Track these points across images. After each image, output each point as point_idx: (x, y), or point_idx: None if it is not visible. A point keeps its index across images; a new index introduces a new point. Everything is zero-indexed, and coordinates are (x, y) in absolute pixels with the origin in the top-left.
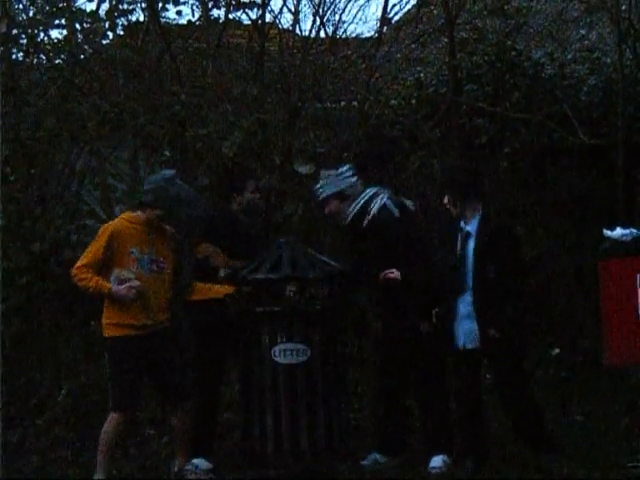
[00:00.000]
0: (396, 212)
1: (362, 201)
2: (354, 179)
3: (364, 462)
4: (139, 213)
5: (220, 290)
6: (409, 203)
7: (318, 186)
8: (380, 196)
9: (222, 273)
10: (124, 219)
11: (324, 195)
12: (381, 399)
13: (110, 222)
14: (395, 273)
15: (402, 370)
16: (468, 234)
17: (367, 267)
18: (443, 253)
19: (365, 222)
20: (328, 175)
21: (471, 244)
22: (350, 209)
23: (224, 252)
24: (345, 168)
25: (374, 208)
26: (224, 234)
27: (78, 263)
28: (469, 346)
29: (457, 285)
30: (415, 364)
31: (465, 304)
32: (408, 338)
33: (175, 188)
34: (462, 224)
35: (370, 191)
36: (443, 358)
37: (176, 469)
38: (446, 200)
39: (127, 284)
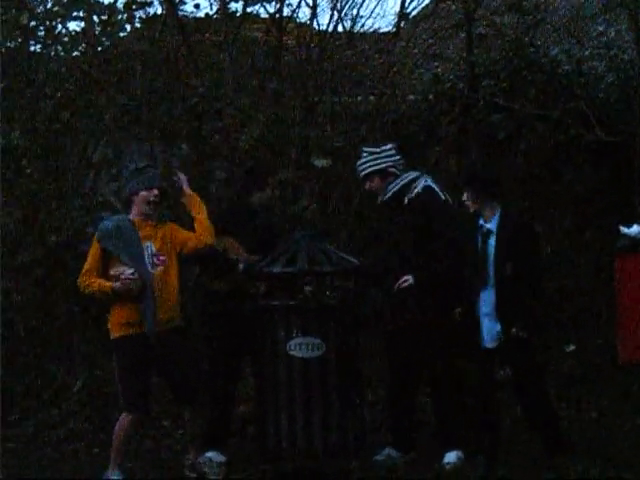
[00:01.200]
0: (442, 195)
1: (407, 179)
2: (398, 157)
3: (377, 457)
4: (132, 213)
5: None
6: (447, 196)
7: (360, 162)
8: (424, 178)
9: (241, 267)
10: (119, 220)
11: (367, 171)
12: (393, 395)
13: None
14: (408, 280)
15: (414, 366)
16: (489, 232)
17: (394, 254)
18: (463, 250)
19: (407, 199)
20: (371, 152)
21: (492, 242)
22: (392, 185)
23: (243, 246)
24: (388, 146)
25: (419, 186)
26: (244, 228)
27: (82, 271)
28: (489, 345)
29: (479, 283)
30: (431, 360)
31: (487, 302)
32: (424, 333)
33: (138, 166)
34: (481, 222)
35: (413, 173)
36: (461, 355)
37: (189, 462)
38: (465, 197)
39: (121, 277)
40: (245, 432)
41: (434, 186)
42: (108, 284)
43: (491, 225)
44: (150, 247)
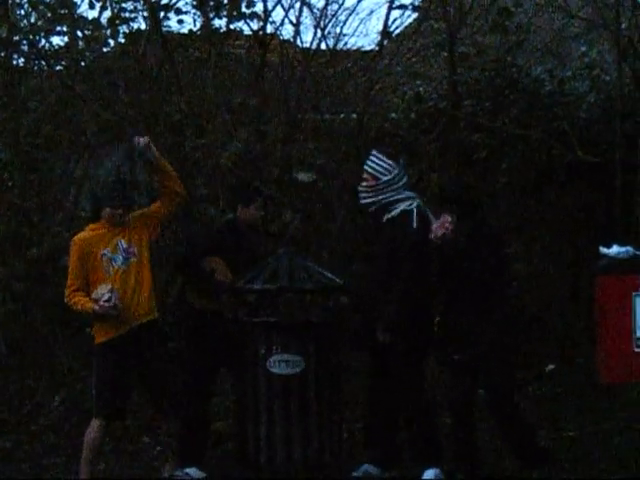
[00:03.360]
0: (414, 223)
1: (393, 198)
2: (397, 172)
3: (355, 474)
4: (100, 221)
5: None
6: (431, 216)
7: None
8: (409, 202)
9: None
10: (87, 230)
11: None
12: (371, 411)
13: (74, 237)
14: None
15: (390, 382)
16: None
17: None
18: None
19: (385, 218)
20: (380, 158)
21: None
22: (382, 197)
23: (229, 267)
24: (394, 162)
25: (398, 209)
26: (229, 247)
27: (66, 290)
28: (456, 357)
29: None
30: (395, 375)
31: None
32: (386, 349)
33: (107, 180)
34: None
35: (404, 194)
36: (421, 369)
37: (166, 474)
38: (447, 219)
39: (101, 302)
40: (223, 447)
41: (414, 212)
42: (89, 305)
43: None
44: (121, 243)
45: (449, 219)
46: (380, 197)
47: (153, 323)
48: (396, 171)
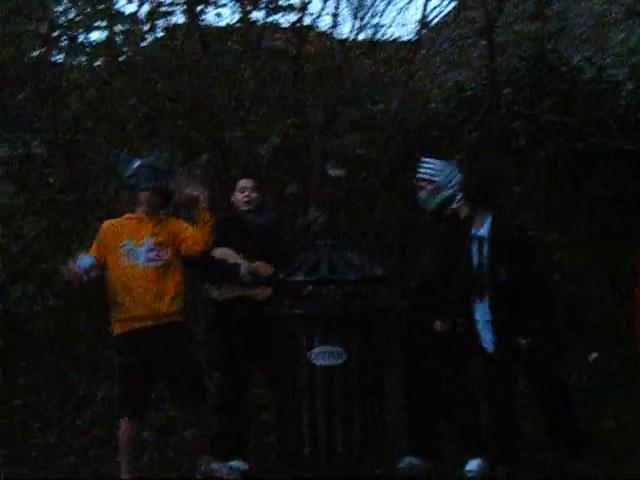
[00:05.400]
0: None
1: (452, 193)
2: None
3: (399, 465)
4: (138, 211)
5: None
6: None
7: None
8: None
9: (243, 271)
10: (125, 217)
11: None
12: (409, 402)
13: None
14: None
15: (429, 374)
16: (482, 239)
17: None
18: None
19: (449, 210)
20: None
21: (486, 249)
22: (438, 198)
23: (239, 254)
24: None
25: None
26: (234, 237)
27: None
28: (489, 350)
29: (476, 291)
30: (439, 367)
31: (484, 311)
32: (431, 341)
33: (146, 162)
34: (473, 230)
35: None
36: (465, 361)
37: (202, 468)
38: (457, 200)
39: (75, 266)
40: (265, 440)
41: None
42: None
43: (482, 232)
44: (148, 241)
45: None
46: (439, 196)
47: (175, 325)
48: (449, 169)
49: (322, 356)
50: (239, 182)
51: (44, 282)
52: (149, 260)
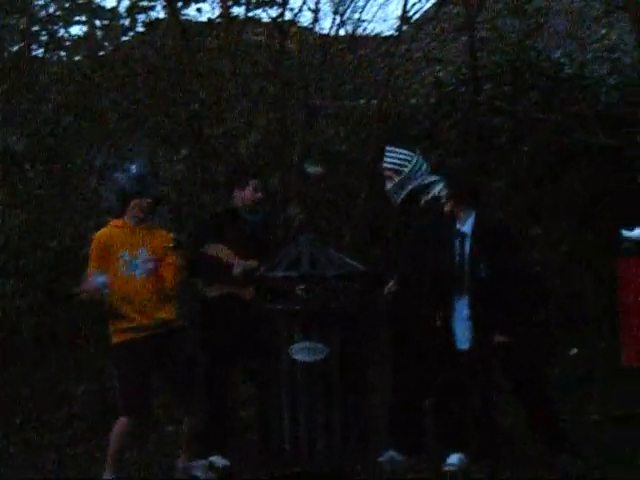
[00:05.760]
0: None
1: (422, 183)
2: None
3: (380, 460)
4: (124, 217)
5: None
6: None
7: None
8: (438, 188)
9: (236, 270)
10: (110, 226)
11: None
12: (396, 397)
13: (97, 232)
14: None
15: (414, 368)
16: (464, 235)
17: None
18: (440, 253)
19: (423, 200)
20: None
21: (467, 245)
22: (404, 189)
23: (232, 251)
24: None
25: (430, 194)
26: (228, 232)
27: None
28: (463, 347)
29: (456, 287)
30: (427, 361)
31: (463, 307)
32: (420, 336)
33: (137, 172)
34: (457, 225)
35: (432, 178)
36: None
37: (181, 465)
38: (442, 194)
39: (94, 284)
40: (245, 436)
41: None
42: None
43: (466, 228)
44: (143, 252)
45: None
46: (409, 187)
47: (174, 329)
48: (415, 159)
49: (303, 352)
50: (252, 181)
51: (24, 278)
52: (146, 270)
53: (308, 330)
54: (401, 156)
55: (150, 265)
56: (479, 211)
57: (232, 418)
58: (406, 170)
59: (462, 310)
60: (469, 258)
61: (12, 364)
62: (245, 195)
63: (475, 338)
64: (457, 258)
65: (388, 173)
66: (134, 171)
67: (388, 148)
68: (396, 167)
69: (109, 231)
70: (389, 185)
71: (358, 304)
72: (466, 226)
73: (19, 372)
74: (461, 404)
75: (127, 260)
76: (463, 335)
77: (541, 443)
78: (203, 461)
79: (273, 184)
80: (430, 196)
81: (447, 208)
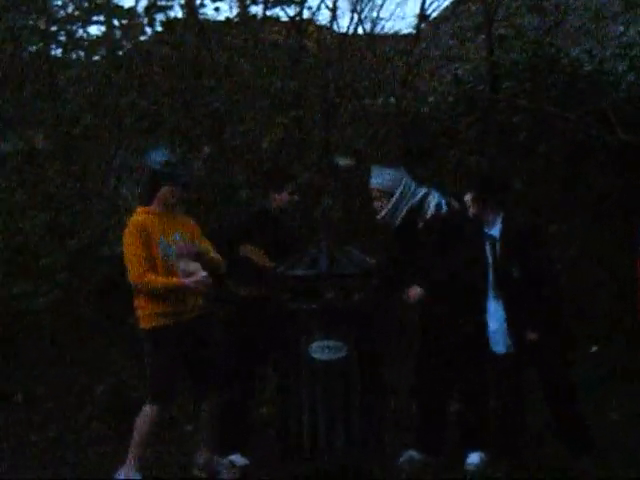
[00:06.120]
0: (449, 207)
1: (416, 199)
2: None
3: (400, 460)
4: (152, 205)
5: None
6: (455, 203)
7: (377, 177)
8: (431, 195)
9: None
10: (141, 214)
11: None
12: (417, 397)
13: (131, 222)
14: (414, 292)
15: (441, 369)
16: (494, 239)
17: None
18: (471, 257)
19: (421, 223)
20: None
21: (498, 248)
22: (399, 211)
23: (265, 254)
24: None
25: (430, 208)
26: (265, 234)
27: (133, 271)
28: (500, 350)
29: (489, 291)
30: (456, 363)
31: (496, 310)
32: (449, 337)
33: (167, 159)
34: (486, 229)
35: (422, 192)
36: (482, 358)
37: (201, 461)
38: (467, 198)
39: (195, 277)
40: (266, 434)
41: (442, 201)
42: (176, 281)
43: (494, 231)
44: (178, 237)
45: None
46: (404, 208)
47: (206, 317)
48: (404, 177)
49: (322, 350)
50: (288, 184)
51: (44, 277)
52: (179, 256)
53: (328, 328)
54: (388, 177)
55: (189, 249)
56: (507, 213)
57: (252, 416)
58: (397, 192)
59: (496, 313)
60: (501, 261)
61: (31, 363)
62: (282, 198)
63: (514, 340)
64: (489, 262)
65: (376, 194)
66: (164, 158)
67: (374, 167)
68: (386, 189)
69: (143, 219)
70: (381, 209)
71: (376, 303)
72: (494, 229)
73: (38, 371)
74: (484, 404)
75: (165, 246)
76: (498, 338)
77: (564, 444)
78: (225, 459)
79: (301, 181)
80: (430, 212)
81: (473, 211)
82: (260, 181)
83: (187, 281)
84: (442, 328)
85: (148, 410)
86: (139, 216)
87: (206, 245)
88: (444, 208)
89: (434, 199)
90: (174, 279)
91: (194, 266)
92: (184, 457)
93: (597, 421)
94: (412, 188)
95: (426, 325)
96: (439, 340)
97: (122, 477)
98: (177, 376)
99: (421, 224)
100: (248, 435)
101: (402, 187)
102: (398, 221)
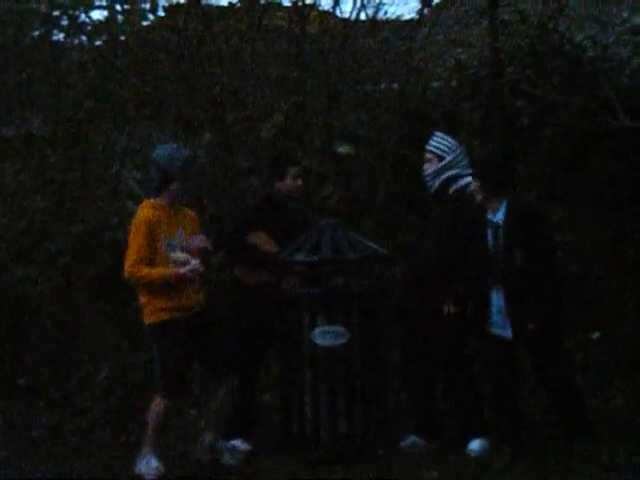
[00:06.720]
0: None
1: (459, 173)
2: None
3: (402, 444)
4: (160, 198)
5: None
6: None
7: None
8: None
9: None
10: (148, 207)
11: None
12: (414, 382)
13: (138, 215)
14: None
15: (431, 354)
16: (497, 226)
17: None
18: (473, 243)
19: (451, 190)
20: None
21: (502, 235)
22: (442, 175)
23: (273, 240)
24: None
25: (465, 181)
26: (269, 221)
27: (128, 263)
28: (501, 333)
29: (491, 277)
30: (441, 348)
31: (498, 296)
32: (434, 321)
33: (183, 155)
34: (489, 215)
35: (468, 170)
36: (469, 342)
37: (204, 444)
38: (473, 185)
39: (189, 267)
40: (270, 420)
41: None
42: (171, 271)
43: (498, 218)
44: (181, 233)
45: None
46: (446, 174)
47: (205, 311)
48: (458, 150)
49: (324, 336)
50: (290, 169)
51: (47, 262)
52: (183, 249)
53: (330, 314)
54: (447, 143)
55: (195, 242)
56: (510, 199)
57: (255, 402)
58: (448, 158)
59: (497, 299)
60: (503, 247)
61: (34, 348)
62: (285, 184)
63: (514, 326)
64: (491, 248)
65: (429, 156)
66: (176, 153)
67: (437, 133)
68: (439, 152)
69: (151, 213)
70: (428, 169)
71: (379, 288)
72: (498, 216)
73: (41, 356)
74: (474, 389)
75: (168, 241)
76: (498, 323)
77: (563, 427)
78: (228, 444)
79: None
80: (458, 186)
81: (478, 199)
82: (265, 168)
83: (182, 270)
84: (432, 312)
85: (159, 403)
86: (146, 210)
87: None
88: (472, 187)
89: (469, 178)
90: (169, 269)
91: (184, 256)
92: (188, 442)
93: (599, 407)
94: (463, 162)
95: (415, 309)
96: (429, 324)
97: (143, 469)
98: (185, 368)
99: (451, 192)
100: (251, 421)
101: (454, 155)
102: (436, 186)
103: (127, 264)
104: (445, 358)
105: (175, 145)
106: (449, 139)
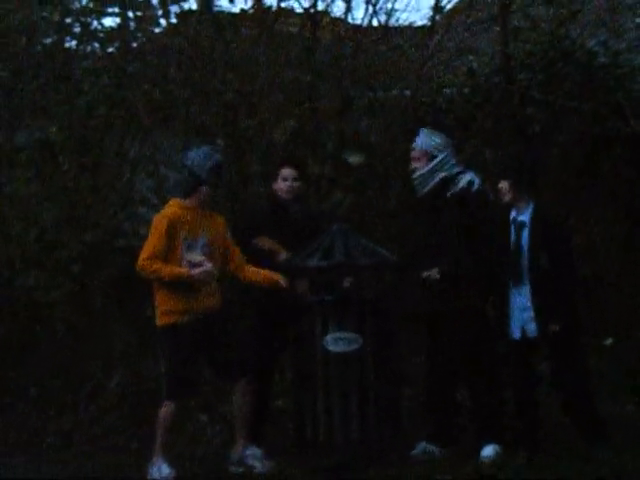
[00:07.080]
0: (490, 195)
1: (450, 173)
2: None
3: (414, 451)
4: (189, 199)
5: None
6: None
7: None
8: (467, 173)
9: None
10: (175, 206)
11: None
12: (430, 389)
13: (163, 211)
14: (432, 273)
15: (452, 360)
16: (522, 224)
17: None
18: (497, 242)
19: (449, 194)
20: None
21: (525, 234)
22: (433, 177)
23: (280, 244)
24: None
25: (462, 182)
26: (273, 225)
27: (142, 256)
28: (516, 336)
29: (513, 276)
30: (467, 352)
31: (522, 295)
32: (460, 326)
33: (215, 161)
34: (514, 214)
35: (459, 167)
36: (495, 347)
37: (236, 456)
38: (500, 186)
39: (202, 268)
40: (282, 425)
41: (476, 180)
42: (182, 271)
43: (524, 217)
44: (203, 239)
45: None
46: (440, 176)
47: (218, 315)
48: (449, 147)
49: (337, 342)
50: (281, 171)
51: (58, 269)
52: (203, 255)
53: (342, 320)
54: (437, 140)
55: (207, 250)
56: (538, 200)
57: (269, 407)
58: (440, 156)
59: (520, 299)
60: (528, 247)
61: (45, 356)
62: (278, 186)
63: (540, 328)
64: (514, 247)
65: (417, 154)
66: (213, 159)
67: (423, 130)
68: (429, 150)
69: (175, 211)
70: (418, 169)
71: (391, 294)
72: (524, 215)
73: (52, 363)
74: (499, 395)
75: (189, 243)
76: (514, 325)
77: (578, 433)
78: (254, 450)
79: (313, 173)
80: (458, 187)
81: (507, 199)
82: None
83: (193, 272)
84: (457, 315)
85: (164, 406)
86: (172, 208)
87: (229, 243)
88: (476, 186)
89: (469, 176)
90: (180, 268)
91: (200, 258)
92: (200, 448)
93: (611, 413)
94: (453, 161)
95: (438, 314)
96: (453, 328)
97: (155, 476)
98: (193, 372)
99: (450, 194)
100: (265, 426)
101: (444, 155)
102: (428, 188)
103: (141, 257)
104: (469, 362)
105: (207, 148)
106: (437, 135)
